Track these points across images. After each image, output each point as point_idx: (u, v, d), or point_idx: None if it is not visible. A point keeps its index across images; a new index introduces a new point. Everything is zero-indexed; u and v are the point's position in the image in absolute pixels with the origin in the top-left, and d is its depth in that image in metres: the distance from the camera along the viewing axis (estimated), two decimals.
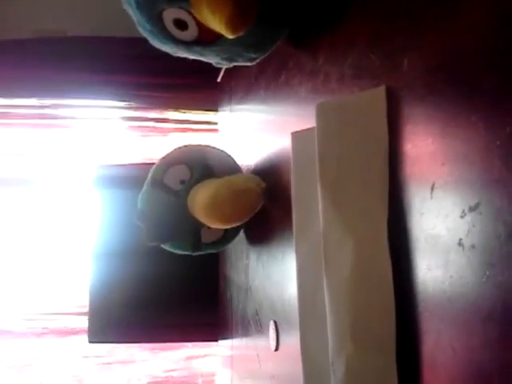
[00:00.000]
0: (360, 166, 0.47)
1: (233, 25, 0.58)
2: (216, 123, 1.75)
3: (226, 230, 0.98)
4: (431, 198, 0.40)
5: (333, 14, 0.60)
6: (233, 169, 1.02)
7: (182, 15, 0.64)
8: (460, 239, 0.37)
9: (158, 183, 0.97)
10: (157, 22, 0.65)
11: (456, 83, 0.37)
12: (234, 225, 0.91)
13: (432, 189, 0.40)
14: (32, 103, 1.78)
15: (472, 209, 0.36)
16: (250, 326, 1.02)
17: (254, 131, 1.07)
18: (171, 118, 1.90)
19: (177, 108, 1.87)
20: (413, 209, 0.43)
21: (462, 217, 0.37)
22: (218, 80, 1.41)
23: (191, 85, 1.76)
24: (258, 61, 0.76)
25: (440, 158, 0.39)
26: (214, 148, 1.07)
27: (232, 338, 1.25)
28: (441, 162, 0.39)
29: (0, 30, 1.69)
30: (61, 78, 1.68)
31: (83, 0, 1.33)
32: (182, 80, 1.74)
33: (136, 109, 1.85)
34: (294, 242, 0.66)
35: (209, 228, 0.93)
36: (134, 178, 1.41)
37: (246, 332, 1.07)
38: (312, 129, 0.57)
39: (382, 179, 0.45)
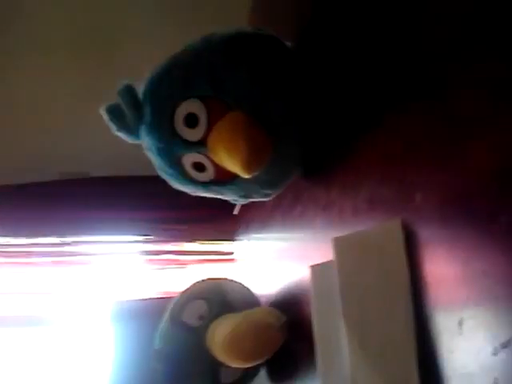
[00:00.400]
0: (383, 301, 0.47)
1: (248, 166, 0.61)
2: (232, 253, 1.77)
3: (246, 369, 0.94)
4: (460, 334, 0.39)
5: (343, 151, 0.64)
6: (252, 302, 1.00)
7: (200, 159, 0.68)
8: (495, 379, 0.35)
9: (177, 320, 0.96)
10: (177, 166, 0.69)
11: (471, 217, 0.38)
12: (254, 363, 0.87)
13: (460, 324, 0.39)
14: (53, 241, 1.83)
15: (504, 345, 0.34)
16: None
17: (271, 261, 1.07)
18: (188, 249, 1.93)
19: (194, 239, 1.91)
20: (441, 346, 0.41)
21: (494, 354, 0.35)
22: (235, 213, 1.45)
23: (208, 217, 1.81)
24: (273, 196, 0.79)
25: (464, 292, 0.39)
26: (231, 281, 1.07)
27: None
28: (465, 296, 0.38)
29: (25, 174, 1.79)
30: (83, 217, 1.75)
31: (104, 144, 1.43)
32: (199, 213, 1.80)
33: (154, 242, 1.89)
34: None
35: (228, 367, 0.89)
36: (151, 312, 1.39)
37: None
38: (330, 262, 0.57)
39: (406, 315, 0.44)
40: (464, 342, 0.38)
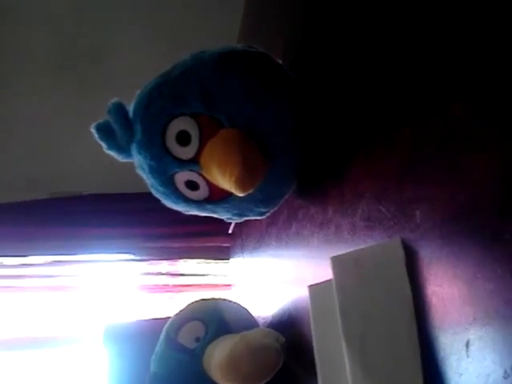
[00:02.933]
0: (385, 323, 0.45)
1: (242, 184, 0.59)
2: (227, 275, 1.75)
3: None
4: (467, 356, 0.37)
5: (339, 168, 0.62)
6: (249, 323, 0.98)
7: (193, 177, 0.67)
8: None
9: (172, 342, 0.93)
10: (169, 184, 0.68)
11: (474, 234, 0.36)
12: None
13: (467, 346, 0.37)
14: (44, 260, 1.80)
15: None
16: None
17: (268, 281, 1.05)
18: (183, 272, 1.90)
19: (189, 257, 1.88)
20: (449, 369, 0.39)
21: (505, 377, 0.33)
22: (230, 232, 1.43)
23: (203, 233, 1.78)
24: (268, 214, 0.77)
25: (470, 312, 0.37)
26: (228, 301, 1.05)
27: None
28: (472, 317, 0.37)
29: (15, 194, 1.77)
30: (73, 235, 1.72)
31: (96, 163, 1.41)
32: (193, 230, 1.77)
33: (148, 260, 1.86)
34: None
35: None
36: (145, 333, 1.36)
37: None
38: (329, 281, 0.55)
39: (410, 337, 0.42)
40: (472, 364, 0.37)
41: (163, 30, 1.74)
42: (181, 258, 1.88)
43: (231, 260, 1.65)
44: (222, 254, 1.74)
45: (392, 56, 0.49)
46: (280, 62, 0.71)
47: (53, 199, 1.79)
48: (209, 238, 1.78)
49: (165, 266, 1.88)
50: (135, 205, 1.73)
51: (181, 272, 1.89)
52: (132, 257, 1.84)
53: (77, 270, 1.83)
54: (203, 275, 1.88)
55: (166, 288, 1.88)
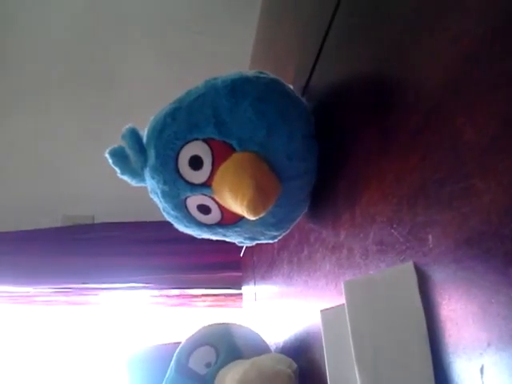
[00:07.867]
0: (398, 348, 0.44)
1: (254, 207, 0.60)
2: (240, 297, 1.73)
3: None
4: (482, 382, 0.37)
5: (351, 192, 0.63)
6: (261, 348, 0.97)
7: (205, 201, 0.67)
8: None
9: (183, 368, 0.93)
10: (181, 208, 0.68)
11: (487, 259, 0.36)
12: None
13: (482, 372, 0.37)
14: (57, 287, 1.80)
15: None
16: None
17: (279, 305, 1.04)
18: (196, 293, 1.89)
19: (201, 288, 1.87)
20: None
21: None
22: (241, 255, 1.43)
23: (215, 263, 1.77)
24: (279, 238, 0.77)
25: (484, 337, 0.37)
26: (240, 326, 1.04)
27: None
28: (486, 342, 0.36)
29: (29, 219, 1.79)
30: (87, 264, 1.72)
31: (110, 187, 1.42)
32: (206, 259, 1.77)
33: (159, 289, 1.85)
34: None
35: None
36: (162, 357, 1.36)
37: None
38: (341, 306, 0.55)
39: (424, 362, 0.41)
40: None
41: (176, 55, 1.77)
42: (193, 288, 1.87)
43: (243, 287, 1.64)
44: (234, 282, 1.73)
45: (404, 80, 0.50)
46: (291, 86, 0.72)
47: (64, 227, 1.80)
48: (221, 267, 1.76)
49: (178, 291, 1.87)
50: (148, 234, 1.73)
51: (194, 294, 1.88)
52: (143, 285, 1.83)
53: (91, 297, 1.83)
54: (216, 296, 1.87)
55: (179, 305, 1.87)
